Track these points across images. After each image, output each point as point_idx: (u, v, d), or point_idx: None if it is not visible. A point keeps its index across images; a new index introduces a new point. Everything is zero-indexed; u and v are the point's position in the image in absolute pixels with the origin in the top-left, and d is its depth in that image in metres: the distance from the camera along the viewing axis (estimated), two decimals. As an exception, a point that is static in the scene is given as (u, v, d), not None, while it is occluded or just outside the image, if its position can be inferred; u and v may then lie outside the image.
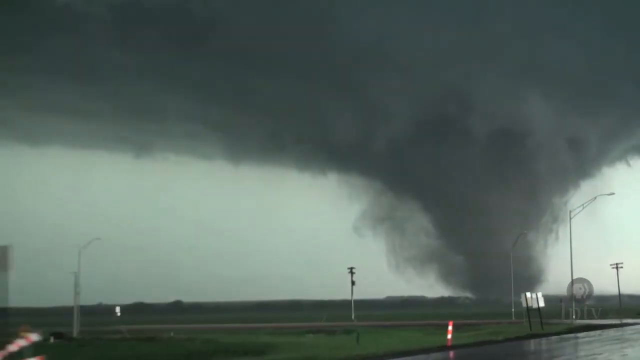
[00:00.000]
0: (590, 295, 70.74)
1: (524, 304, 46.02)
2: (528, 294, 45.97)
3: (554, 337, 38.83)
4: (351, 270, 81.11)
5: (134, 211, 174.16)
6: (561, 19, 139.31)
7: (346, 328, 59.03)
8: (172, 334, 58.39)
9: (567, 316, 64.38)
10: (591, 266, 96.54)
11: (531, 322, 46.12)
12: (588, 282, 69.90)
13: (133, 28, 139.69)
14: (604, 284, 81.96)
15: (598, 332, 44.11)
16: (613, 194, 66.70)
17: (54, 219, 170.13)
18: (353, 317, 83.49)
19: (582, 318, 65.83)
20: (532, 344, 33.92)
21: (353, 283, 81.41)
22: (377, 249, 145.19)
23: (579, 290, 68.55)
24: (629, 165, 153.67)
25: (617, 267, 74.60)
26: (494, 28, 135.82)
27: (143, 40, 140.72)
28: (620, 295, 76.76)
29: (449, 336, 31.79)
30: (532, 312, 46.13)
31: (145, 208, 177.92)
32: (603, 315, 71.23)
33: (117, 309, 74.53)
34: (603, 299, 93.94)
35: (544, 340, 36.48)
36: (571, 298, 67.66)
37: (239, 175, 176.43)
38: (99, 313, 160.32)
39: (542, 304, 46.23)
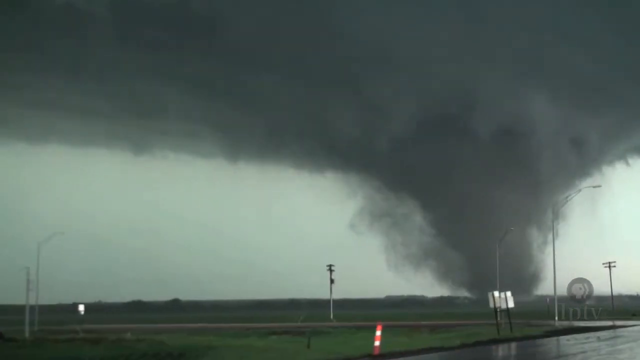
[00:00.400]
0: (590, 296, 66.30)
1: (491, 305, 40.22)
2: (496, 293, 40.18)
3: (515, 344, 33.10)
4: (330, 268, 76.49)
5: (132, 209, 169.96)
6: (564, 19, 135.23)
7: (316, 329, 54.90)
8: (129, 334, 54.11)
9: (567, 316, 60.55)
10: (591, 266, 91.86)
11: (498, 325, 40.35)
12: (588, 282, 65.98)
13: (135, 25, 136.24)
14: (604, 284, 78.08)
15: (571, 336, 38.30)
16: (599, 186, 62.26)
17: (51, 217, 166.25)
18: (332, 316, 78.75)
19: (582, 319, 61.84)
20: (477, 353, 28.26)
21: (332, 281, 76.74)
22: (377, 248, 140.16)
23: (578, 291, 64.68)
24: (628, 164, 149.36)
25: (609, 266, 70.54)
26: (496, 26, 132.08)
27: (142, 38, 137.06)
28: (612, 295, 72.20)
29: (377, 343, 26.15)
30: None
31: (143, 206, 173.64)
32: (601, 316, 66.84)
33: (81, 307, 69.54)
34: (603, 299, 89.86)
35: (496, 347, 30.77)
36: (570, 298, 64.15)
37: (238, 174, 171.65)
38: (97, 311, 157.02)
39: (511, 304, 40.42)
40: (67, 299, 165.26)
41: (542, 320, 60.53)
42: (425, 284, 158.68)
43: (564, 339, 36.22)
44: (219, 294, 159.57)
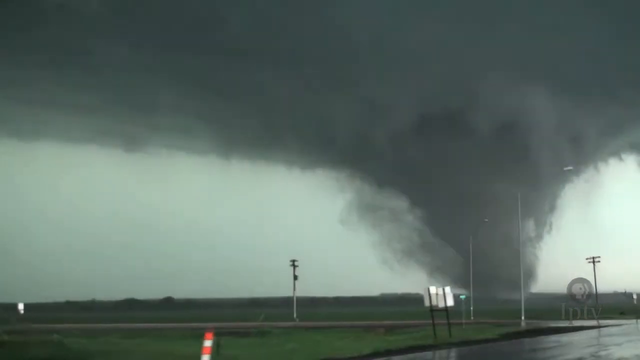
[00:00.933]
0: (590, 295, 62.72)
1: (426, 303, 32.43)
2: (432, 289, 32.37)
3: (431, 353, 25.52)
4: (293, 264, 69.33)
5: (125, 206, 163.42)
6: (563, 18, 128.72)
7: (264, 329, 48.43)
8: (55, 335, 47.61)
9: (567, 316, 56.18)
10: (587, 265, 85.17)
11: (436, 327, 32.64)
12: (588, 282, 63.10)
13: (125, 21, 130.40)
14: (601, 282, 72.05)
15: (522, 341, 30.63)
16: (571, 168, 57.17)
17: (45, 214, 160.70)
18: (295, 315, 71.79)
19: (582, 318, 57.46)
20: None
21: (295, 278, 69.64)
22: (372, 245, 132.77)
23: (579, 290, 61.71)
24: (621, 159, 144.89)
25: (593, 261, 63.78)
26: (496, 24, 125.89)
27: (135, 32, 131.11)
28: (597, 293, 65.14)
29: (205, 358, 18.46)
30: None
31: (136, 203, 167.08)
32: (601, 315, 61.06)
33: (20, 306, 62.47)
34: (600, 297, 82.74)
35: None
36: (570, 298, 60.44)
37: (231, 171, 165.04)
38: (92, 309, 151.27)
39: (450, 302, 32.58)
40: (60, 297, 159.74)
41: (514, 320, 53.24)
42: (420, 282, 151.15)
43: (503, 345, 28.71)
44: (213, 292, 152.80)
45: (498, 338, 34.13)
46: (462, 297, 56.18)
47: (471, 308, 67.39)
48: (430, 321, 33.06)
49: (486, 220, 74.73)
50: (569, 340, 30.30)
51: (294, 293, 71.07)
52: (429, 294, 32.45)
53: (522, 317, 51.61)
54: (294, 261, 69.69)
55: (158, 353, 29.13)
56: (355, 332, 43.26)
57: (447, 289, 32.74)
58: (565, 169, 57.29)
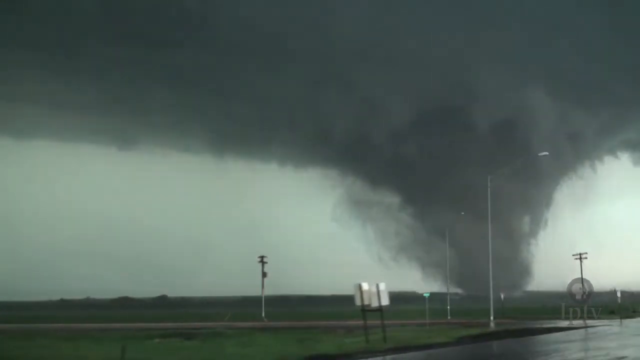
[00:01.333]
0: (590, 295, 61.07)
1: (357, 302, 26.75)
2: (364, 286, 26.65)
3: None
4: (262, 260, 64.12)
5: (119, 205, 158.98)
6: (562, 17, 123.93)
7: (215, 329, 44.74)
8: None
9: (567, 315, 54.81)
10: (585, 264, 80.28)
11: (368, 331, 26.96)
12: (588, 281, 61.63)
13: (119, 19, 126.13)
14: (599, 281, 68.68)
15: (475, 346, 25.14)
16: (546, 154, 53.59)
17: (39, 213, 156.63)
18: (263, 314, 66.62)
19: (581, 318, 55.12)
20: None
21: (264, 275, 64.39)
22: (369, 244, 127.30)
23: (579, 290, 60.74)
24: (617, 157, 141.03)
25: (580, 258, 59.22)
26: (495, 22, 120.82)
27: (130, 31, 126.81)
28: (585, 291, 59.77)
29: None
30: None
31: (130, 201, 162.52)
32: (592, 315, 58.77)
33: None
34: (597, 295, 77.67)
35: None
36: (570, 297, 59.24)
37: (226, 170, 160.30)
38: (86, 306, 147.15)
39: (385, 301, 26.88)
40: (55, 295, 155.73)
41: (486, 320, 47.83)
42: (416, 280, 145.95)
43: (439, 354, 23.18)
44: (208, 291, 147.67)
45: (448, 342, 28.43)
46: (426, 295, 50.60)
47: (448, 307, 62.08)
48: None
49: (462, 213, 69.27)
50: (527, 347, 24.64)
51: (262, 292, 65.97)
52: (361, 292, 26.80)
53: (491, 318, 46.21)
54: (262, 257, 64.43)
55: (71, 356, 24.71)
56: (315, 333, 38.55)
57: (382, 286, 27.04)
58: (540, 154, 53.99)
